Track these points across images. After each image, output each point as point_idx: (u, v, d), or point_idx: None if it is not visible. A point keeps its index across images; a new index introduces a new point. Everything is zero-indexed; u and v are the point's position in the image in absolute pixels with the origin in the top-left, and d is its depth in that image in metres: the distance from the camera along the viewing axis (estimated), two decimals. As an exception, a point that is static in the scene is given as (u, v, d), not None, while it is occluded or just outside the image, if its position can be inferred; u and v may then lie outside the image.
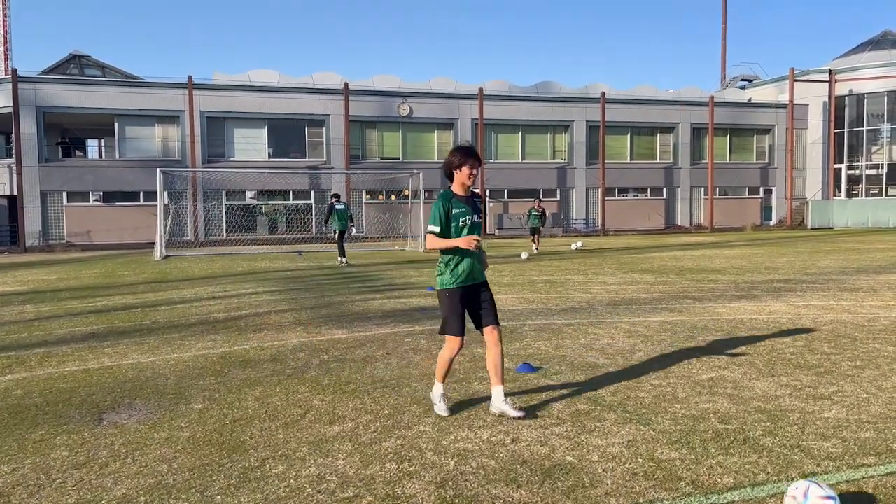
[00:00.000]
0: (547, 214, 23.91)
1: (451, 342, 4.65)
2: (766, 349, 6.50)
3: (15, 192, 30.67)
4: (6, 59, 62.68)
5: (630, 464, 3.70)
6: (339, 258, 17.79)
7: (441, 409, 4.65)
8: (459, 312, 4.64)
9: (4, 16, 66.42)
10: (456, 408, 4.76)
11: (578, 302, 9.85)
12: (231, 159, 33.41)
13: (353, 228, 23.96)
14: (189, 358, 6.53)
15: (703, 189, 40.33)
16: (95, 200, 32.54)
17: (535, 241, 21.63)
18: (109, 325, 8.42)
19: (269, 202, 34.53)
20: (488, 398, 4.91)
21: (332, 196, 18.57)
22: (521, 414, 4.48)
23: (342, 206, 18.06)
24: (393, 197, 35.08)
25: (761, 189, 41.88)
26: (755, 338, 7.04)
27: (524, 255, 19.41)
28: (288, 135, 34.84)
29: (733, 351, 6.43)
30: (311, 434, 4.29)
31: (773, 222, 41.57)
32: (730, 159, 41.27)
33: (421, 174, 26.14)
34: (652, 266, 15.63)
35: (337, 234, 17.94)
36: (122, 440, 4.26)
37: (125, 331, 8.05)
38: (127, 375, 5.89)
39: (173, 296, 11.28)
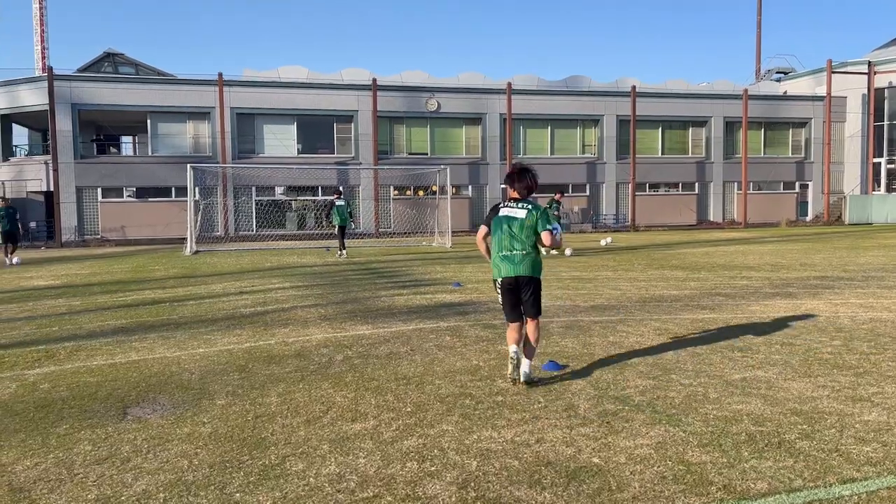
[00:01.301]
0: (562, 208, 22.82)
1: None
2: (802, 349, 6.29)
3: (51, 189, 31.30)
4: (43, 57, 64.13)
5: (659, 466, 3.58)
6: (339, 251, 18.67)
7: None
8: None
9: (41, 16, 68.00)
10: (479, 406, 4.68)
11: (607, 299, 9.68)
12: (261, 155, 33.68)
13: (353, 224, 24.62)
14: (214, 353, 6.54)
15: (736, 184, 39.55)
16: (129, 196, 33.08)
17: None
18: (138, 320, 8.50)
19: (298, 198, 34.73)
20: (514, 396, 4.82)
21: (334, 192, 19.53)
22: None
23: (342, 203, 18.90)
24: (420, 192, 35.04)
25: (797, 184, 40.94)
26: (790, 336, 6.82)
27: (603, 242, 20.94)
28: (317, 131, 35.00)
29: (768, 350, 6.23)
30: (332, 431, 4.24)
31: (808, 218, 40.64)
32: (764, 153, 40.42)
33: (448, 169, 26.05)
34: (683, 262, 15.34)
35: (337, 229, 18.77)
36: (145, 435, 4.25)
37: (153, 325, 8.11)
38: (152, 370, 5.91)
39: (201, 290, 11.37)
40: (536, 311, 5.38)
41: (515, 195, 5.41)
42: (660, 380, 5.27)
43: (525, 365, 5.22)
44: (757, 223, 38.24)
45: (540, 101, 36.56)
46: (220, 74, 32.48)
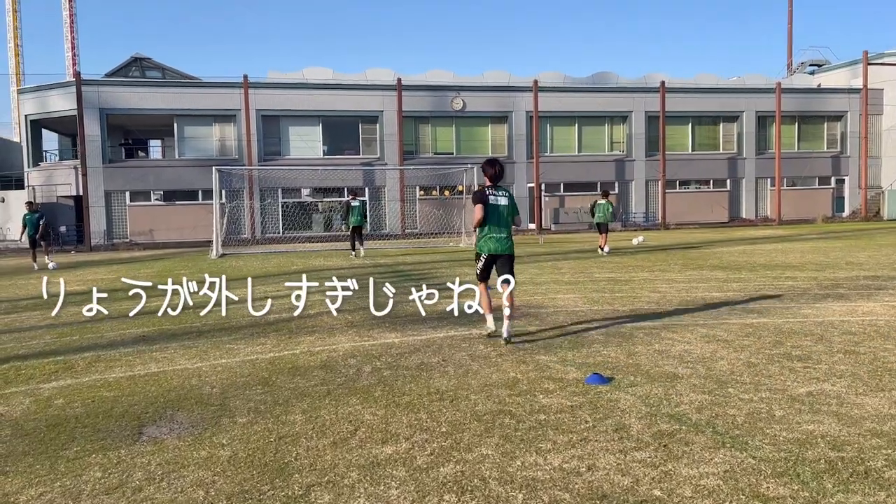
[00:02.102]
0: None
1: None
2: (868, 357, 5.79)
3: (81, 193, 31.54)
4: (74, 63, 65.05)
5: (731, 501, 3.15)
6: (352, 252, 19.63)
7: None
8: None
9: (72, 23, 68.98)
10: (521, 426, 4.28)
11: (647, 302, 9.21)
12: (286, 157, 33.61)
13: (367, 225, 25.32)
14: (237, 364, 6.23)
15: (769, 180, 38.57)
16: (157, 200, 33.23)
17: (604, 238, 20.12)
18: (160, 328, 8.24)
19: (325, 199, 34.57)
20: (558, 415, 4.43)
21: (350, 194, 20.76)
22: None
23: (357, 204, 19.93)
24: (447, 192, 34.67)
25: (832, 179, 39.81)
26: (852, 344, 6.32)
27: (635, 241, 21.22)
28: (342, 132, 34.83)
29: (831, 359, 5.74)
30: (361, 455, 3.88)
31: (845, 214, 39.47)
32: (798, 148, 39.35)
33: (474, 169, 25.55)
34: (721, 262, 14.76)
35: (351, 230, 19.75)
36: (160, 459, 3.93)
37: (175, 333, 7.85)
38: (172, 383, 5.61)
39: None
40: (512, 276, 6.86)
41: (490, 181, 7.05)
42: (716, 394, 4.82)
43: (507, 327, 6.72)
44: (791, 220, 37.22)
45: (567, 99, 35.98)
46: (245, 76, 32.48)
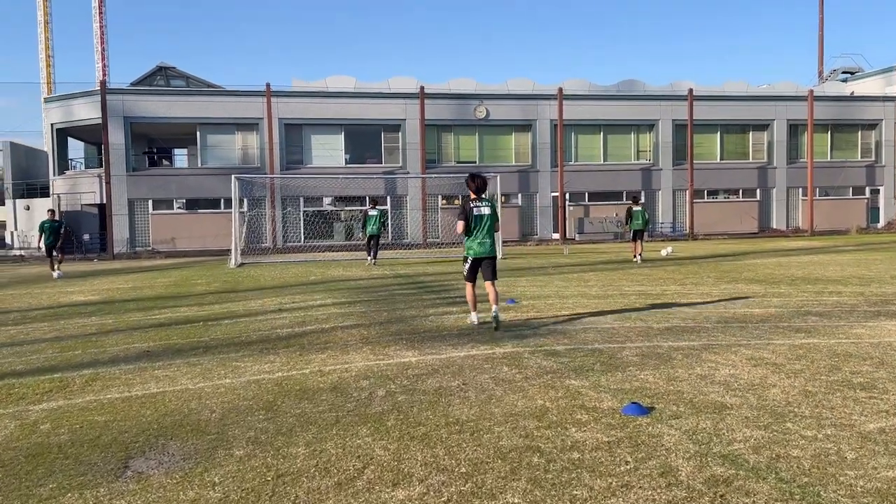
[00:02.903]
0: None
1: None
2: (940, 386, 5.16)
3: (104, 201, 31.57)
4: (104, 74, 65.83)
5: (811, 575, 2.60)
6: (369, 259, 19.63)
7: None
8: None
9: (102, 34, 69.95)
10: (552, 466, 3.76)
11: (682, 319, 8.62)
12: (309, 166, 33.40)
13: (388, 234, 25.28)
14: (241, 384, 5.78)
15: (800, 189, 37.53)
16: (179, 208, 33.16)
17: (638, 245, 19.55)
18: (166, 342, 7.84)
19: (347, 208, 34.27)
20: (594, 452, 3.90)
21: (370, 203, 20.79)
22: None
23: (375, 213, 19.86)
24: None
25: (867, 189, 38.63)
26: (918, 370, 5.69)
27: (664, 252, 20.57)
28: (364, 140, 34.56)
29: (897, 388, 5.13)
30: (368, 501, 3.38)
31: (881, 225, 38.25)
32: (831, 157, 38.25)
33: (498, 177, 25.06)
34: (756, 274, 14.07)
35: (367, 238, 19.83)
36: (142, 500, 3.47)
37: (181, 349, 7.43)
38: (169, 407, 5.17)
39: (239, 308, 10.71)
40: (494, 276, 8.28)
41: (473, 194, 8.24)
42: (773, 430, 4.25)
43: (495, 310, 7.97)
44: (824, 231, 36.13)
45: (592, 107, 35.35)
46: (268, 85, 32.37)
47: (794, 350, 6.57)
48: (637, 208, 18.81)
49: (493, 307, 7.96)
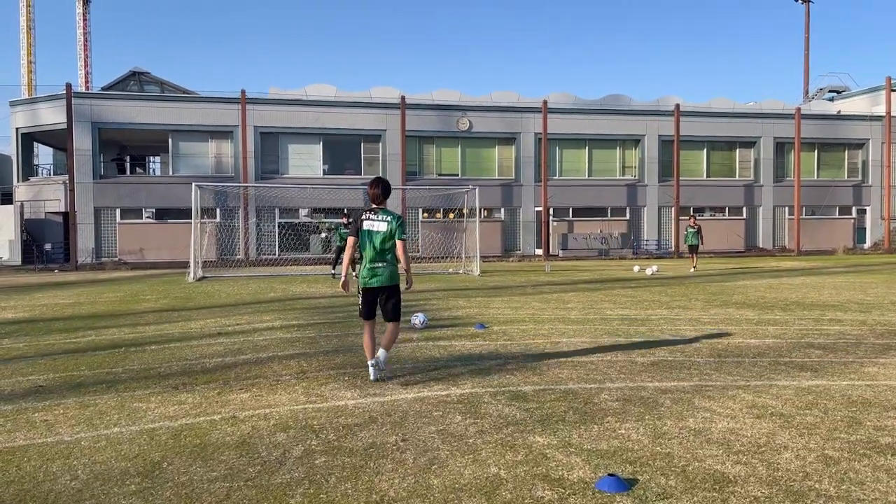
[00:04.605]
0: (702, 231, 22.97)
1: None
2: None
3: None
4: (87, 81, 64.47)
5: None
6: (334, 272, 19.41)
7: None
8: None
9: (85, 40, 68.66)
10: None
11: (670, 351, 7.60)
12: (285, 176, 32.31)
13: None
14: (130, 436, 4.67)
15: (787, 208, 36.94)
16: (148, 217, 31.88)
17: (693, 258, 22.73)
18: (70, 374, 6.70)
19: (324, 220, 33.14)
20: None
21: (343, 215, 20.68)
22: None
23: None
24: (451, 215, 33.16)
25: (854, 209, 38.12)
26: (955, 425, 4.70)
27: (649, 271, 20.70)
28: (343, 150, 33.55)
29: (937, 454, 4.13)
30: None
31: (866, 245, 37.73)
32: (818, 176, 37.74)
33: (477, 190, 24.08)
34: (747, 298, 13.13)
35: (335, 250, 19.76)
36: None
37: (83, 382, 6.30)
38: (23, 470, 4.06)
39: (175, 330, 9.56)
40: (396, 316, 6.23)
41: (373, 203, 6.27)
42: (792, 520, 3.22)
43: (382, 354, 6.14)
44: (811, 250, 35.52)
45: (577, 121, 34.61)
46: (243, 92, 31.31)
47: (801, 395, 5.57)
48: (691, 227, 22.29)
49: (380, 351, 6.12)
